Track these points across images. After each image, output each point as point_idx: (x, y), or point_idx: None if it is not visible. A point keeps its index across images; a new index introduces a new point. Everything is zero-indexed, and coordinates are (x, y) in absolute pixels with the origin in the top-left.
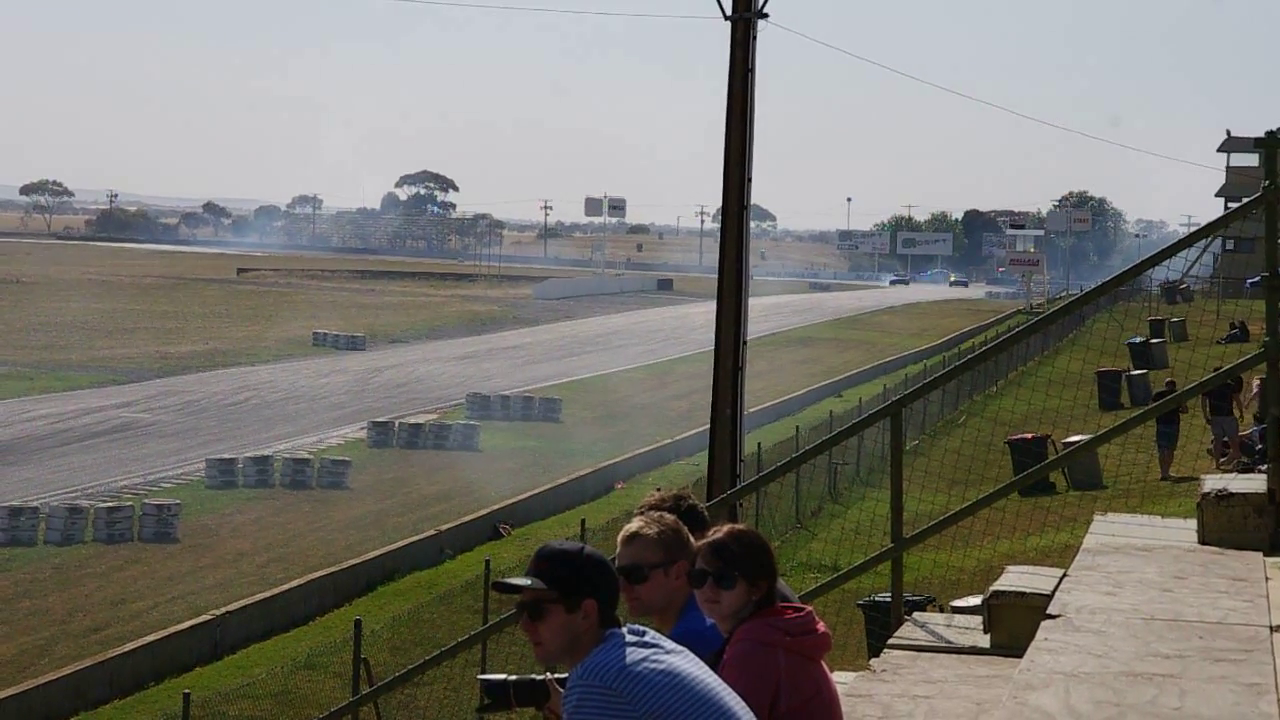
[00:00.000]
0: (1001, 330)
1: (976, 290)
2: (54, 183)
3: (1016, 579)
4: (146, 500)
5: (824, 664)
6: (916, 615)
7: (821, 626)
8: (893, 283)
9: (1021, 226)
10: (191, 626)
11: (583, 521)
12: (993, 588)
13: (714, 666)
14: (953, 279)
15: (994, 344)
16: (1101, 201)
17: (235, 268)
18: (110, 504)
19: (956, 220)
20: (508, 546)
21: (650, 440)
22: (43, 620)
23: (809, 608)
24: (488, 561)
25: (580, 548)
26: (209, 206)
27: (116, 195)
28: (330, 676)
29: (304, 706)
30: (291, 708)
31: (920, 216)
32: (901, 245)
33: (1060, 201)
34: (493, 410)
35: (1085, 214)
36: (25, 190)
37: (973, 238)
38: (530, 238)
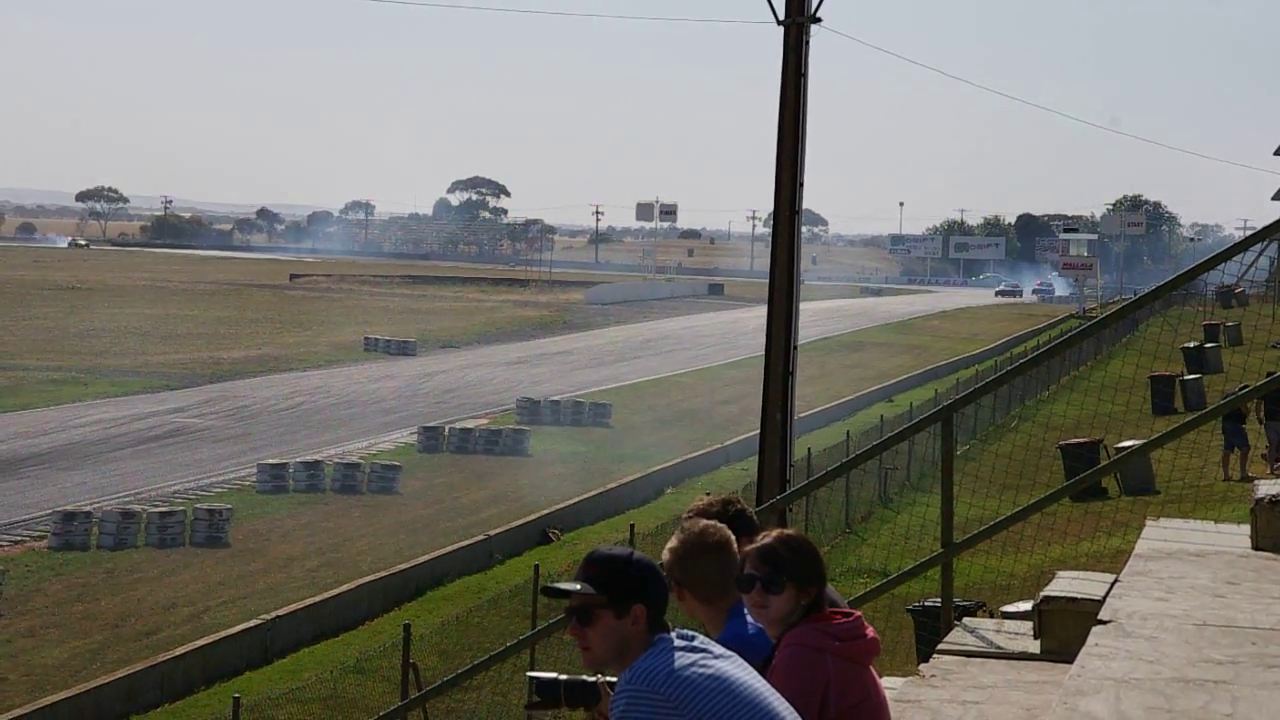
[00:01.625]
0: (1054, 335)
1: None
2: (109, 189)
3: (1068, 584)
4: (198, 505)
5: (873, 669)
6: (966, 620)
7: (870, 631)
8: (1000, 293)
9: (1075, 230)
10: (242, 631)
11: (632, 526)
12: (1044, 593)
13: (763, 672)
14: (1002, 286)
15: (1046, 348)
16: (1156, 205)
17: (288, 273)
18: (162, 508)
19: (1009, 224)
20: (557, 551)
21: (700, 445)
22: (95, 624)
23: (858, 613)
24: (536, 567)
25: (629, 553)
26: (262, 213)
27: (171, 201)
28: (379, 681)
29: (353, 711)
30: (340, 712)
31: (973, 221)
32: (954, 249)
33: (1114, 205)
34: (543, 415)
35: (1139, 217)
36: (81, 197)
37: (1026, 242)
38: (582, 243)
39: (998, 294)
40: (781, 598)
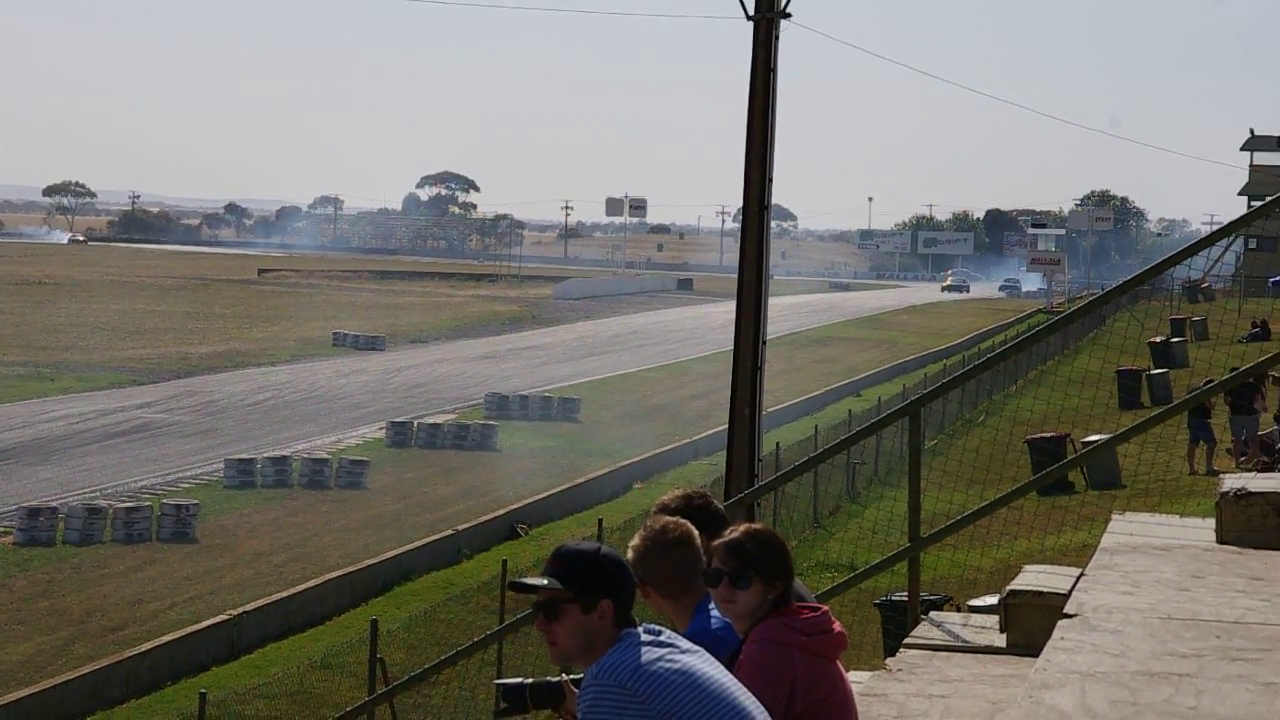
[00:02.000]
0: (1021, 330)
1: (990, 290)
2: (77, 184)
3: (1034, 578)
4: (165, 500)
5: (839, 663)
6: (933, 614)
7: (837, 626)
8: (947, 289)
9: (1043, 225)
10: (209, 626)
11: (600, 521)
12: (1010, 587)
13: (730, 666)
14: (948, 282)
15: (1014, 343)
16: (1124, 200)
17: (256, 268)
18: (129, 504)
19: (978, 220)
20: (525, 546)
21: (669, 440)
22: (61, 620)
23: (825, 607)
24: (505, 562)
25: (597, 548)
26: (230, 207)
27: (139, 196)
28: (346, 676)
29: (320, 706)
30: (307, 707)
31: (942, 216)
32: (922, 245)
33: (1082, 200)
34: (511, 410)
35: (1107, 213)
36: (48, 191)
37: (994, 237)
38: (551, 238)
39: (944, 289)
40: (748, 593)
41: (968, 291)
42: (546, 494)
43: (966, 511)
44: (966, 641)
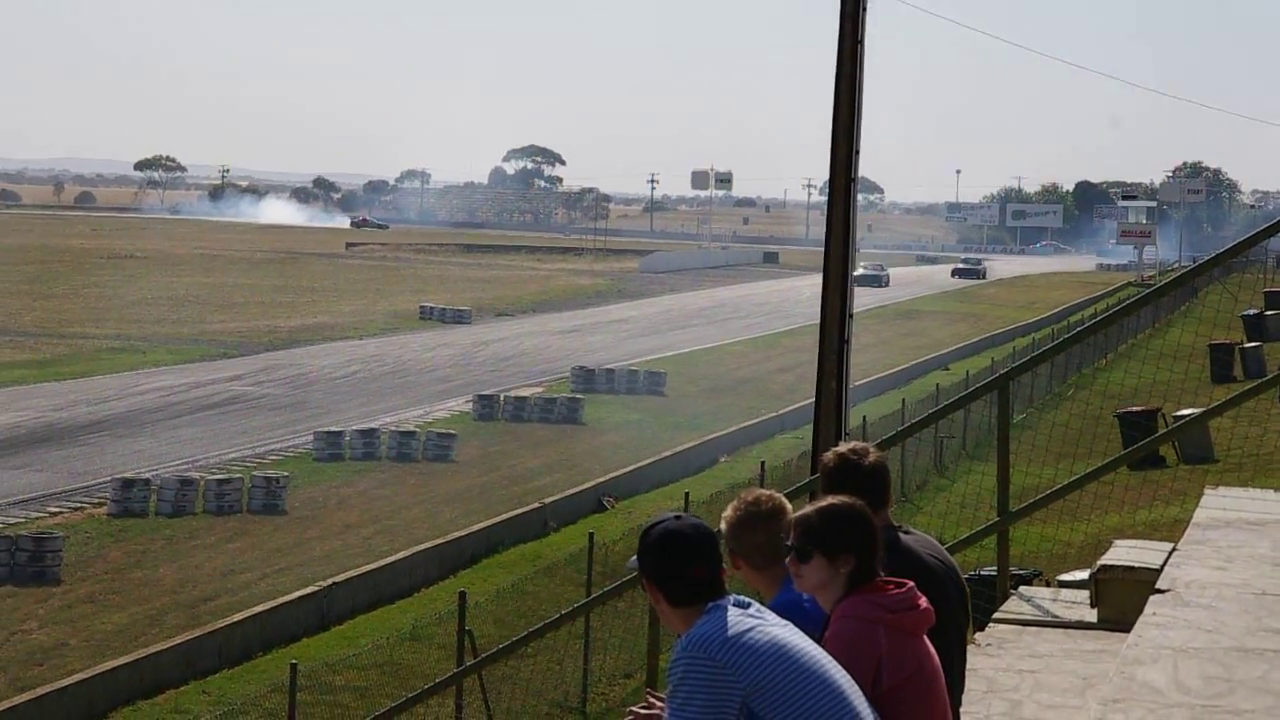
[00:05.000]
0: (1112, 303)
1: (1088, 262)
2: (167, 158)
3: (1125, 553)
4: (255, 473)
5: (926, 639)
6: (1022, 589)
7: (923, 602)
8: (958, 272)
9: (1134, 198)
10: (299, 598)
11: (686, 495)
12: (1101, 562)
13: (816, 640)
14: (960, 264)
15: (1104, 316)
16: (1217, 172)
17: (344, 242)
18: (220, 476)
19: (1067, 192)
20: (612, 519)
21: (754, 413)
22: (154, 590)
23: (910, 583)
24: (591, 535)
25: (648, 527)
26: (318, 181)
27: (228, 170)
28: (435, 648)
29: (409, 677)
30: (396, 678)
31: (1030, 188)
32: (1011, 217)
33: (1174, 172)
34: (597, 383)
35: (1200, 184)
36: (139, 166)
37: (1084, 210)
38: (636, 211)
39: (955, 273)
40: (810, 566)
41: (983, 277)
42: (633, 467)
43: (1056, 486)
44: (1056, 616)
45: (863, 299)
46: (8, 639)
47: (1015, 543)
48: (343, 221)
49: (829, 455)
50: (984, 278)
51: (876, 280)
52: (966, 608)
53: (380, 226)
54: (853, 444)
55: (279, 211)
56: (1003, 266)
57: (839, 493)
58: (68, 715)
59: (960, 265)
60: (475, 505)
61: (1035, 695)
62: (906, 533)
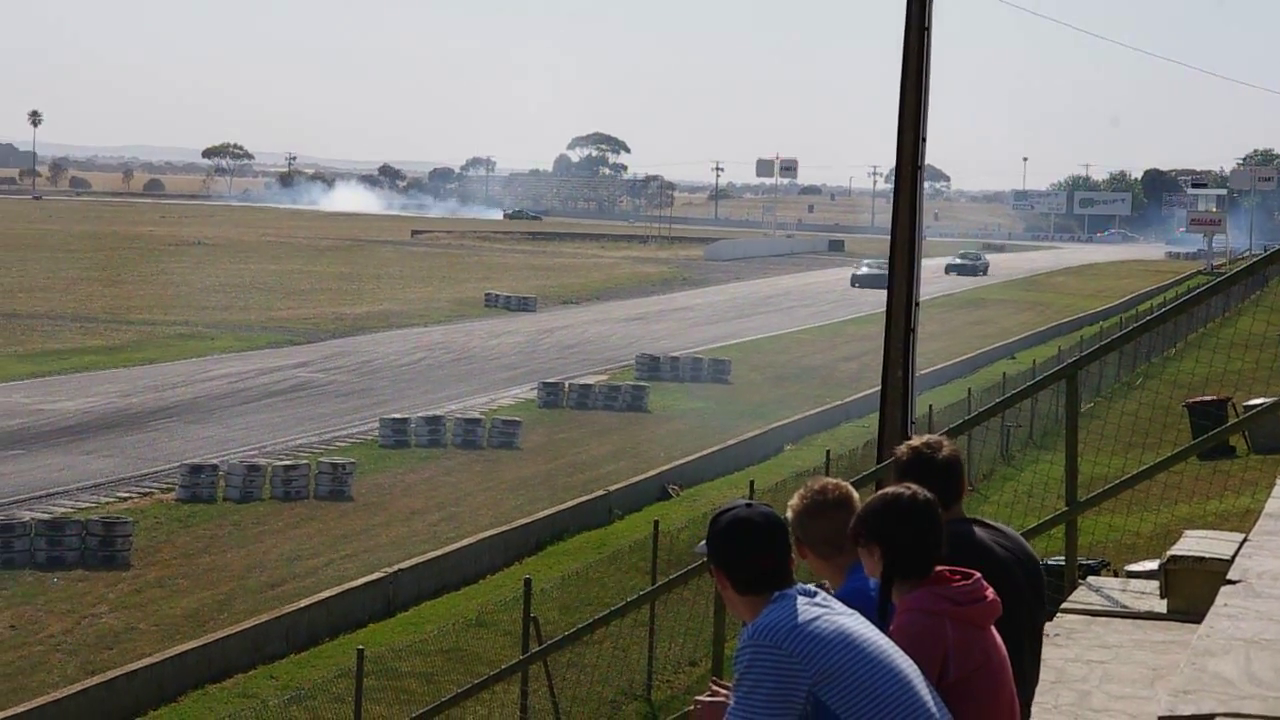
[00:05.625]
0: (1181, 291)
1: (1156, 250)
2: (235, 146)
3: (1195, 543)
4: (322, 459)
5: (993, 630)
6: (1091, 579)
7: (990, 593)
8: (953, 269)
9: (1204, 185)
10: (365, 584)
11: (751, 483)
12: (1170, 552)
13: (881, 628)
14: (956, 259)
15: (1173, 305)
16: None
17: (409, 229)
18: (287, 462)
19: (1136, 180)
20: (676, 507)
21: (820, 402)
22: (222, 575)
23: (976, 574)
24: (656, 523)
25: (717, 514)
26: (384, 169)
27: (295, 158)
28: (500, 634)
29: (474, 664)
30: (462, 664)
31: (1098, 176)
32: (1079, 205)
33: (1244, 159)
34: (662, 371)
35: (1271, 172)
36: (208, 153)
37: (1153, 197)
38: (701, 199)
39: (950, 270)
40: (861, 553)
41: (984, 274)
42: (698, 455)
43: (1125, 476)
44: (1126, 607)
45: (929, 288)
46: (78, 623)
47: (1083, 532)
48: (428, 207)
49: (902, 448)
50: (985, 273)
51: (974, 270)
52: (1041, 599)
53: (534, 218)
54: (926, 437)
55: (354, 199)
56: (1070, 255)
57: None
58: (137, 699)
59: (957, 260)
60: (540, 492)
61: (1104, 686)
62: (981, 524)
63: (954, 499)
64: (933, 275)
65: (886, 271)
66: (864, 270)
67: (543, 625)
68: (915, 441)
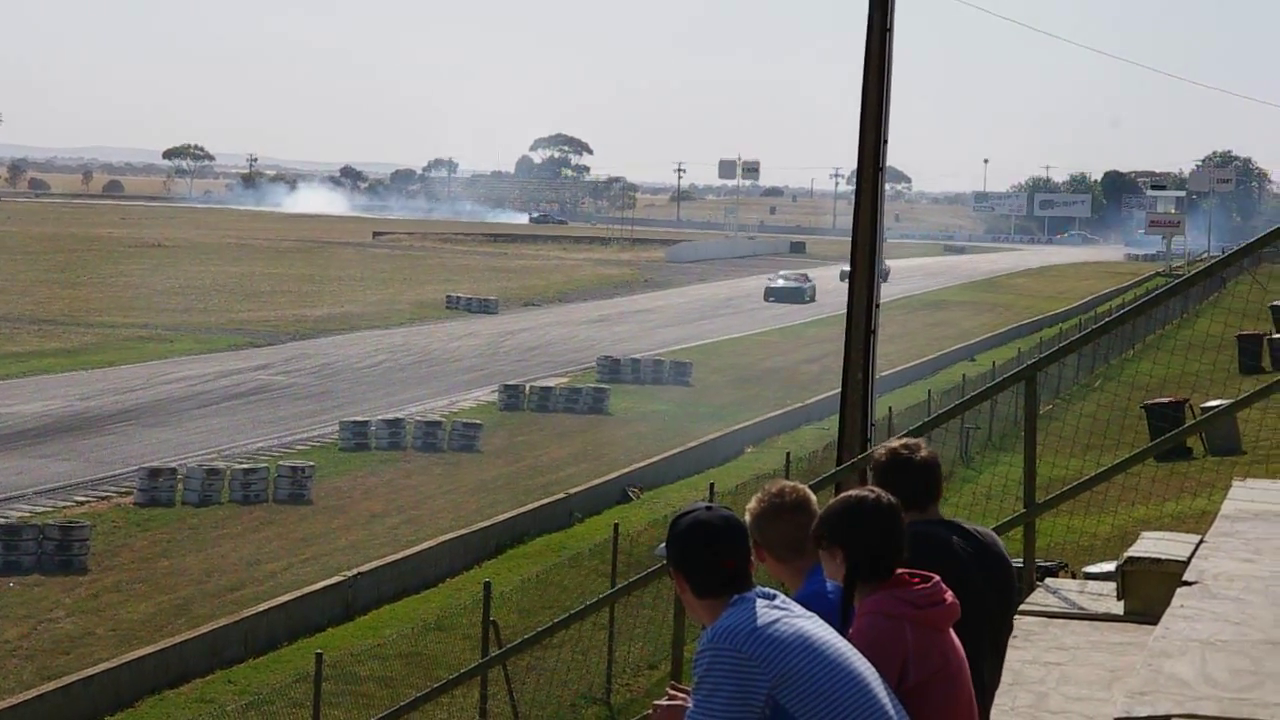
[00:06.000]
0: (1140, 293)
1: (1116, 252)
2: (195, 147)
3: (1152, 545)
4: (281, 462)
5: (952, 633)
6: (1049, 581)
7: (949, 596)
8: (773, 293)
9: (1163, 187)
10: (324, 587)
11: (712, 485)
12: (1127, 553)
13: (840, 632)
14: (779, 281)
15: (1132, 307)
16: (1246, 161)
17: (370, 231)
18: (246, 466)
19: (1095, 182)
20: (637, 510)
21: (781, 404)
22: (180, 580)
23: (935, 577)
24: (616, 526)
25: (677, 517)
26: (346, 170)
27: (256, 159)
28: (460, 638)
29: (433, 667)
30: (421, 668)
31: (1059, 178)
32: (1039, 207)
33: (1203, 161)
34: (623, 374)
35: (1229, 174)
36: (168, 154)
37: (1112, 199)
38: (663, 201)
39: (769, 297)
40: (822, 556)
41: (810, 300)
42: (659, 458)
43: (1083, 477)
44: (1083, 608)
45: (890, 290)
46: (35, 628)
47: (1041, 534)
48: (387, 208)
49: (880, 450)
50: (812, 299)
51: (798, 294)
52: (1007, 604)
53: (560, 222)
54: (904, 439)
55: (319, 200)
56: (1030, 257)
57: (888, 488)
58: (94, 704)
59: (778, 284)
60: (501, 495)
61: (1061, 687)
62: (956, 526)
63: (931, 500)
64: (752, 303)
65: (801, 284)
66: (779, 283)
67: (502, 629)
68: (893, 443)
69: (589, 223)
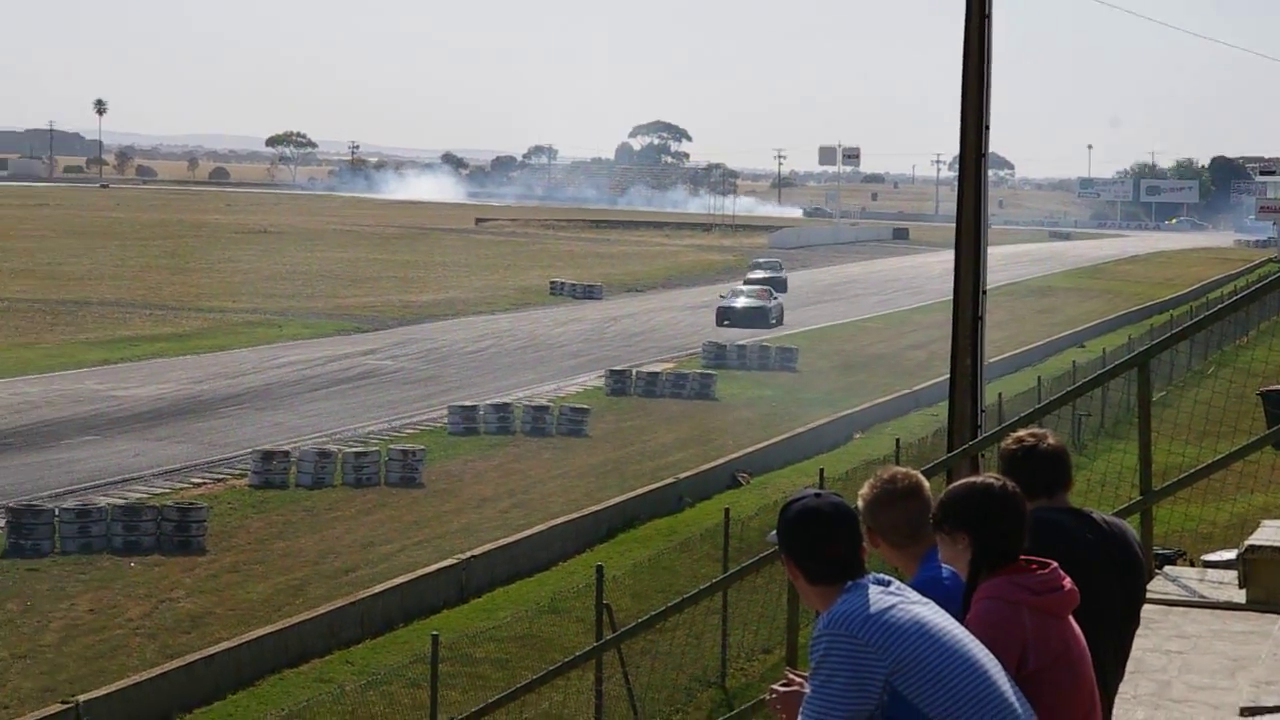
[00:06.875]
0: (1252, 279)
1: (1225, 238)
2: (298, 134)
3: (1274, 533)
4: (392, 446)
5: (1072, 620)
6: (1168, 569)
7: (1068, 583)
8: (723, 315)
9: (1272, 173)
10: (438, 570)
11: (821, 471)
12: (1248, 541)
13: (957, 617)
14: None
15: (1246, 293)
16: None
17: (473, 218)
18: (358, 449)
19: (1203, 167)
20: (746, 495)
21: (888, 390)
22: (296, 561)
23: (1053, 563)
24: (727, 510)
25: (787, 504)
26: (447, 157)
27: (358, 146)
28: (573, 621)
29: (547, 650)
30: (536, 651)
31: (1165, 163)
32: (1145, 193)
33: None
34: (729, 359)
35: None
36: (271, 142)
37: (1220, 185)
38: (764, 187)
39: (723, 320)
40: (940, 541)
41: (774, 323)
42: (766, 443)
43: (1200, 464)
44: (1204, 597)
45: (995, 276)
46: (156, 607)
47: (1158, 522)
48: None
49: (1008, 440)
50: (778, 321)
51: (761, 316)
52: (1132, 592)
53: (829, 215)
54: (1032, 429)
55: (432, 187)
56: (1137, 243)
57: (1016, 478)
58: (216, 683)
59: (737, 303)
60: (610, 480)
61: (1184, 676)
62: (1085, 514)
63: (1059, 487)
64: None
65: (765, 303)
66: (740, 302)
67: (616, 612)
68: (1021, 433)
69: (697, 211)
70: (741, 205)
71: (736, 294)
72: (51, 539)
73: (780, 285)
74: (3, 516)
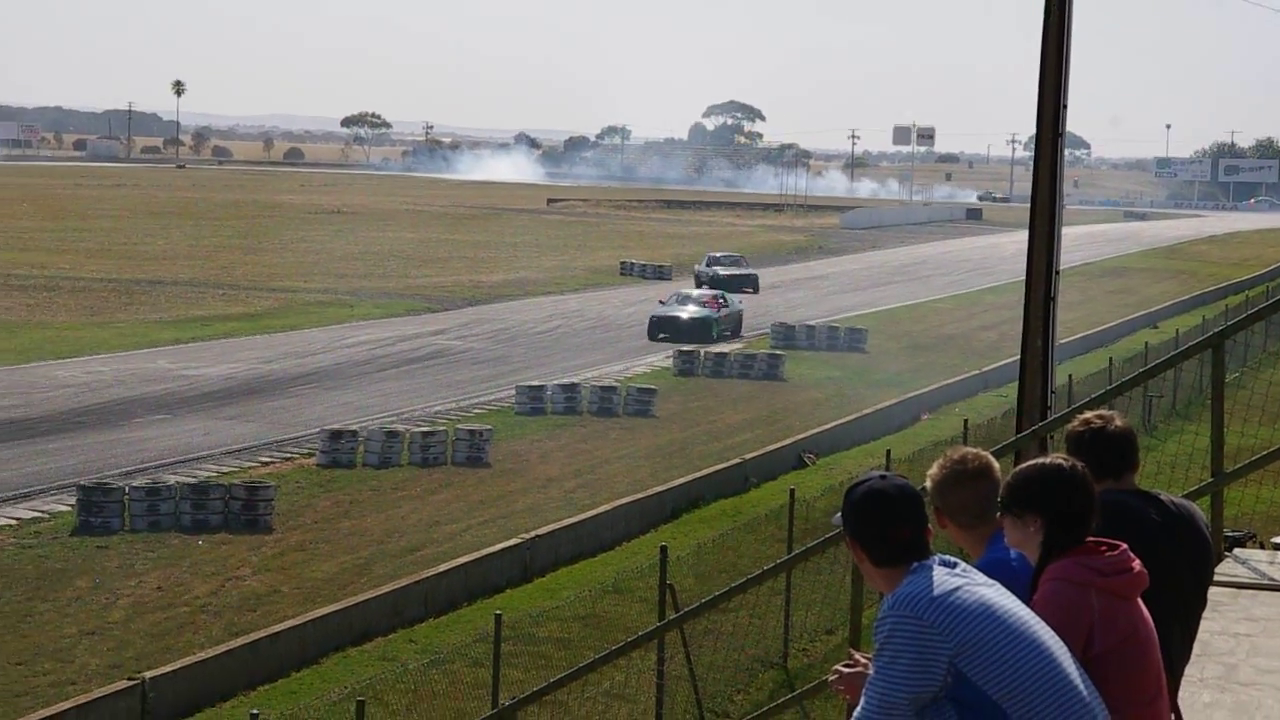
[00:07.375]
0: None
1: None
2: (373, 115)
3: None
4: (459, 425)
5: (1139, 602)
6: (1238, 551)
7: (1136, 564)
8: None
9: None
10: (503, 549)
11: (888, 452)
12: None
13: (1023, 599)
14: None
15: None
16: None
17: (545, 198)
18: (425, 428)
19: None
20: (812, 476)
21: (957, 371)
22: (362, 540)
23: (1123, 545)
24: (792, 491)
25: (851, 486)
26: (520, 137)
27: (432, 127)
28: (636, 601)
29: (611, 630)
30: (599, 630)
31: (1244, 143)
32: (1223, 173)
33: None
34: (798, 340)
35: None
36: (346, 122)
37: None
38: (838, 167)
39: (657, 333)
40: (1005, 523)
41: (719, 334)
42: (834, 424)
43: (1273, 446)
44: (1274, 580)
45: (1069, 256)
46: (223, 585)
47: (1229, 504)
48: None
49: (1075, 422)
50: (732, 332)
51: (703, 328)
52: (1200, 576)
53: (1002, 199)
54: (1100, 410)
55: (508, 168)
56: (1214, 223)
57: (1083, 460)
58: (281, 661)
59: (677, 313)
60: (676, 460)
61: (1251, 659)
62: (1153, 497)
63: (1127, 469)
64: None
65: (711, 312)
66: (689, 310)
67: (679, 593)
68: (1089, 415)
69: (771, 191)
70: (837, 186)
71: (684, 300)
72: (121, 516)
73: (749, 284)
74: (74, 494)
